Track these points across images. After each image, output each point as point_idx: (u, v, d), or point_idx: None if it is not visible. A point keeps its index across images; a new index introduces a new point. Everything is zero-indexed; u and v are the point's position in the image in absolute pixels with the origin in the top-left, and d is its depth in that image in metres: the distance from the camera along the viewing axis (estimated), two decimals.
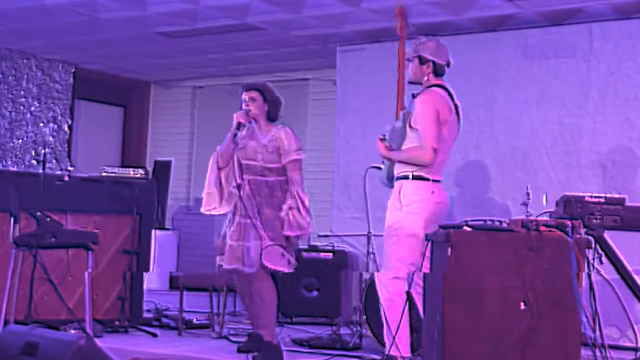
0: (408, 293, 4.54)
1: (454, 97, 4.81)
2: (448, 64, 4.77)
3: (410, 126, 4.57)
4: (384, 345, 4.71)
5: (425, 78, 4.66)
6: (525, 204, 5.26)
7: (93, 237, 5.63)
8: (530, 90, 7.19)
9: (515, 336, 3.88)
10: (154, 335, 6.07)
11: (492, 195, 7.22)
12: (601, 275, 4.78)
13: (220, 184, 5.26)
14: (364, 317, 5.61)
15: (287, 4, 7.23)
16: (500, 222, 4.13)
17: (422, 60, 4.64)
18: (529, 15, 7.08)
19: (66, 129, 10.00)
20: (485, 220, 4.16)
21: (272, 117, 5.31)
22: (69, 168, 7.90)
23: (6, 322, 5.38)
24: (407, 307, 4.44)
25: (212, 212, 5.31)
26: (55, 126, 9.89)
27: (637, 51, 6.76)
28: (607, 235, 4.88)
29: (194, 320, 6.59)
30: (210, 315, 6.47)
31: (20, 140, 9.55)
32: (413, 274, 4.44)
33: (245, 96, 5.30)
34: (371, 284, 5.51)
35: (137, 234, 6.41)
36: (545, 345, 3.88)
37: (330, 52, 8.37)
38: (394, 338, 4.41)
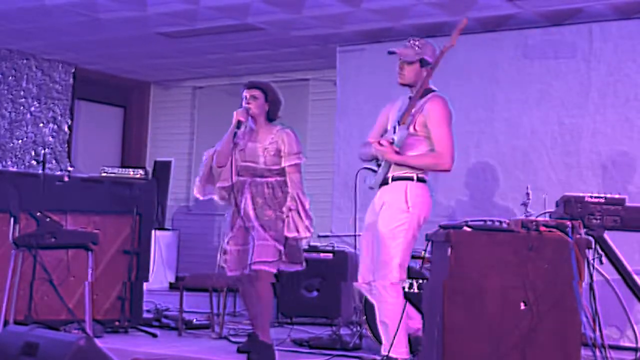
0: (406, 295, 4.53)
1: None
2: None
3: (415, 130, 4.51)
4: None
5: (422, 81, 4.60)
6: (525, 204, 5.26)
7: (93, 237, 5.63)
8: (530, 90, 7.19)
9: (515, 336, 3.89)
10: (154, 335, 6.07)
11: (492, 196, 7.22)
12: (601, 275, 4.78)
13: (208, 176, 5.17)
14: (364, 317, 5.60)
15: (287, 4, 7.23)
16: (500, 222, 4.13)
17: (423, 63, 4.61)
18: (528, 15, 7.08)
19: (66, 129, 10.00)
20: (485, 221, 4.16)
21: (271, 117, 5.23)
22: (69, 168, 7.91)
23: (6, 323, 5.38)
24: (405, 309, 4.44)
25: (204, 197, 5.23)
26: (55, 126, 9.89)
27: (637, 51, 6.76)
28: (607, 235, 4.88)
29: (194, 320, 6.59)
30: (210, 315, 6.47)
31: (20, 141, 9.55)
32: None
33: (246, 93, 5.20)
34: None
35: (137, 235, 6.41)
36: (545, 345, 3.89)
37: (330, 52, 8.37)
38: (393, 339, 4.40)
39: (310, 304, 7.12)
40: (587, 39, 6.98)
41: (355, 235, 5.90)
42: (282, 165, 5.10)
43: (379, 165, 4.62)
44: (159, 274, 9.26)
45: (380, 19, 7.37)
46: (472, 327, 3.90)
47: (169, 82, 10.90)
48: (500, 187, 7.19)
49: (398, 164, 4.51)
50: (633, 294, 5.00)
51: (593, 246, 4.55)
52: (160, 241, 9.33)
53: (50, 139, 9.82)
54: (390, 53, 4.64)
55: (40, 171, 5.93)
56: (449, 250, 3.96)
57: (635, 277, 4.98)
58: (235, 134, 5.07)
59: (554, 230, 3.99)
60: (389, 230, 4.45)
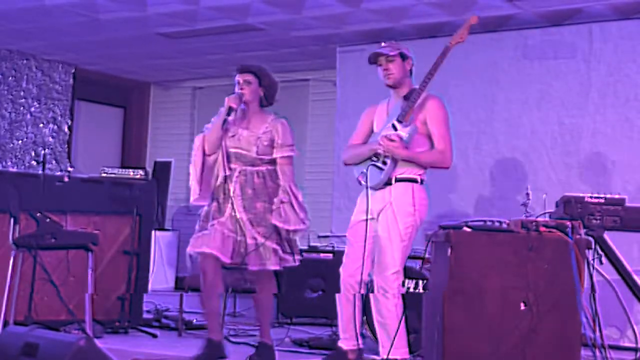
0: (403, 295, 4.53)
1: None
2: None
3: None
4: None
5: (407, 75, 4.58)
6: (525, 205, 5.25)
7: (93, 238, 5.62)
8: (530, 90, 7.20)
9: (515, 336, 3.89)
10: (154, 336, 6.07)
11: (492, 196, 7.22)
12: (601, 275, 4.78)
13: (202, 171, 4.88)
14: (364, 317, 5.60)
15: (287, 4, 7.24)
16: (500, 222, 4.14)
17: (404, 57, 4.60)
18: (528, 15, 7.08)
19: (66, 129, 10.00)
20: (485, 221, 4.16)
21: (267, 103, 4.96)
22: (69, 169, 7.90)
23: (6, 323, 5.38)
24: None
25: (200, 203, 4.91)
26: (55, 127, 9.90)
27: (637, 51, 6.76)
28: (606, 235, 4.88)
29: (194, 321, 6.58)
30: None
31: (20, 141, 9.56)
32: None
33: (239, 78, 4.91)
34: (372, 284, 5.49)
35: (137, 235, 6.40)
36: (546, 346, 3.89)
37: (330, 52, 8.37)
38: (393, 341, 4.40)
39: (310, 304, 7.11)
40: (587, 39, 6.98)
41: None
42: (274, 155, 4.87)
43: (384, 163, 4.55)
44: (159, 275, 9.27)
45: (380, 19, 7.37)
46: (472, 328, 3.90)
47: (169, 83, 10.90)
48: (500, 187, 7.19)
49: (404, 161, 4.47)
50: (633, 294, 4.99)
51: (593, 246, 4.55)
52: (161, 241, 9.34)
53: (50, 139, 9.83)
54: (372, 61, 4.62)
55: (40, 171, 5.92)
56: (449, 250, 3.96)
57: (635, 277, 4.98)
58: (225, 121, 4.83)
59: (554, 230, 3.99)
60: (396, 232, 4.44)
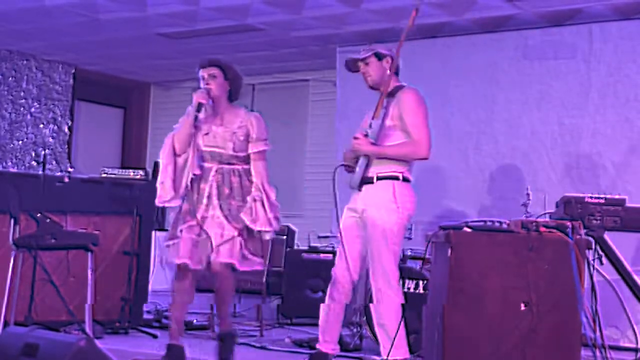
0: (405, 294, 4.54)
1: None
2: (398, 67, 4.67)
3: (391, 122, 4.47)
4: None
5: (388, 73, 4.53)
6: (525, 205, 5.26)
7: (93, 238, 5.62)
8: (530, 91, 7.20)
9: (515, 337, 3.89)
10: (154, 336, 6.07)
11: (492, 196, 7.22)
12: (602, 275, 4.78)
13: (174, 171, 4.71)
14: (365, 318, 5.60)
15: (287, 5, 7.24)
16: (500, 223, 4.14)
17: (380, 56, 4.59)
18: (528, 16, 7.08)
19: (66, 130, 10.01)
20: (485, 221, 4.16)
21: (233, 97, 4.81)
22: (69, 169, 7.90)
23: (6, 324, 5.38)
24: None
25: (168, 205, 4.75)
26: (55, 127, 9.90)
27: (637, 52, 6.76)
28: (607, 235, 4.88)
29: (194, 321, 6.58)
30: (210, 316, 6.47)
31: (20, 142, 9.56)
32: None
33: (204, 73, 4.75)
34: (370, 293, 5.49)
35: (137, 235, 6.40)
36: (546, 346, 3.89)
37: (330, 53, 8.38)
38: (393, 342, 4.40)
39: (311, 305, 7.11)
40: (587, 40, 6.98)
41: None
42: (249, 151, 4.72)
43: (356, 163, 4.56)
44: (160, 275, 9.26)
45: (380, 19, 7.38)
46: (472, 328, 3.90)
47: (169, 83, 10.90)
48: (500, 187, 7.19)
49: (379, 158, 4.45)
50: (633, 294, 5.00)
51: (593, 247, 4.55)
52: (161, 242, 9.32)
53: (51, 139, 9.83)
54: (347, 65, 4.64)
55: (41, 172, 5.93)
56: (449, 251, 3.97)
57: (636, 277, 4.98)
58: (196, 117, 4.66)
59: (554, 230, 3.99)
60: (382, 231, 4.42)
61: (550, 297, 3.90)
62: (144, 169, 7.12)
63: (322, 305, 4.66)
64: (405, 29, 4.50)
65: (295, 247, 7.84)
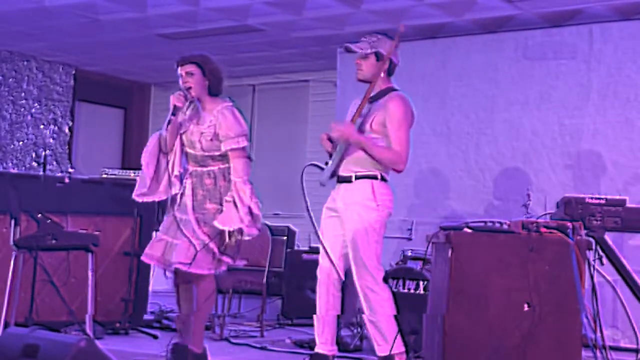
0: (394, 293, 4.53)
1: None
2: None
3: (372, 127, 4.47)
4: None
5: (382, 75, 4.52)
6: (525, 206, 5.26)
7: (93, 239, 5.62)
8: (530, 91, 7.20)
9: (516, 337, 3.89)
10: (155, 337, 6.07)
11: (493, 197, 7.22)
12: (602, 276, 4.78)
13: (155, 170, 4.58)
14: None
15: (287, 5, 7.24)
16: (501, 223, 4.14)
17: (379, 57, 4.57)
18: (528, 16, 7.09)
19: (67, 130, 10.01)
20: (485, 222, 4.16)
21: (214, 92, 4.63)
22: (70, 170, 7.91)
23: (6, 324, 5.38)
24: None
25: (144, 199, 4.61)
26: (56, 128, 9.90)
27: (637, 52, 6.76)
28: (607, 236, 4.88)
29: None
30: (211, 317, 6.46)
31: (20, 142, 9.56)
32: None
33: (181, 71, 4.66)
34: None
35: (137, 236, 6.40)
36: (546, 346, 3.89)
37: (331, 53, 8.38)
38: (395, 337, 4.40)
39: (312, 306, 7.10)
40: (587, 40, 6.98)
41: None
42: (224, 149, 4.50)
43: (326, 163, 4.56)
44: (160, 275, 9.25)
45: (380, 20, 7.37)
46: (473, 328, 3.91)
47: (170, 84, 10.87)
48: (500, 188, 7.19)
49: (361, 149, 4.43)
50: (634, 294, 4.99)
51: (594, 247, 4.55)
52: None
53: (51, 140, 9.83)
54: (347, 50, 4.61)
55: (41, 172, 5.93)
56: (450, 251, 3.97)
57: (636, 277, 4.98)
58: (169, 121, 4.51)
59: (555, 231, 3.99)
60: (363, 230, 4.42)
61: (551, 298, 3.90)
62: None
63: (317, 317, 4.65)
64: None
65: (296, 248, 7.84)
